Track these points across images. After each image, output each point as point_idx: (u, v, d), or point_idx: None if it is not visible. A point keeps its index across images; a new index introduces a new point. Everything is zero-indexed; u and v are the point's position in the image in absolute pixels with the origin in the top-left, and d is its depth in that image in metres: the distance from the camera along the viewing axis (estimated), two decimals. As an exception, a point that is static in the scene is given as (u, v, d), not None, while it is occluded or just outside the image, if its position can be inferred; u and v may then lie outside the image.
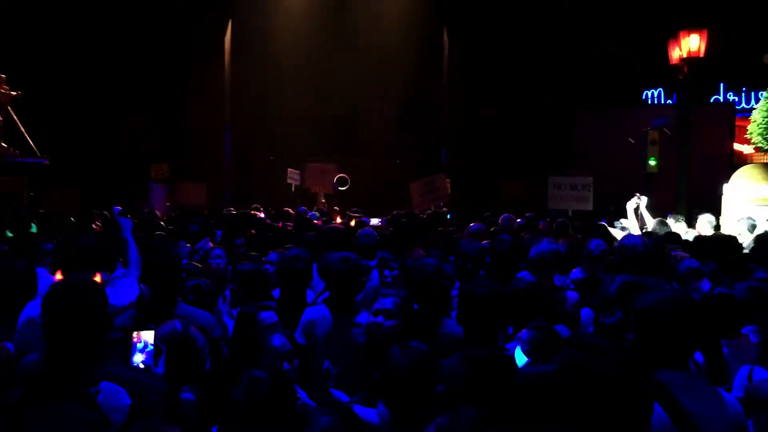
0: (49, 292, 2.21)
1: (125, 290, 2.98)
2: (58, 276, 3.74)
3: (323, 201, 13.54)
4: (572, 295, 4.03)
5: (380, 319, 2.95)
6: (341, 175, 14.32)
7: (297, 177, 13.93)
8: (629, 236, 3.97)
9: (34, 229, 6.87)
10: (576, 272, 4.60)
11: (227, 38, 16.93)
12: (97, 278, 3.45)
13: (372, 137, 17.42)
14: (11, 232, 6.47)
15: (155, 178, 13.61)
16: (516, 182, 15.59)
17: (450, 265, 4.28)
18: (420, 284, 3.27)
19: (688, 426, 2.04)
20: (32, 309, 2.91)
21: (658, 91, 17.52)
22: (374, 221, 9.51)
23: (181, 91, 16.10)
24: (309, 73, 16.95)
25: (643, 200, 6.87)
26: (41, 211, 8.63)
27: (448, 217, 9.05)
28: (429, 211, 9.38)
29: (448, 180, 12.67)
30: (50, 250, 4.47)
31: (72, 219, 7.54)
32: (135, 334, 2.35)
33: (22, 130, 10.61)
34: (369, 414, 2.42)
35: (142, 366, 2.35)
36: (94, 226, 7.44)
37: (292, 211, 10.03)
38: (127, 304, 2.93)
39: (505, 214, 7.34)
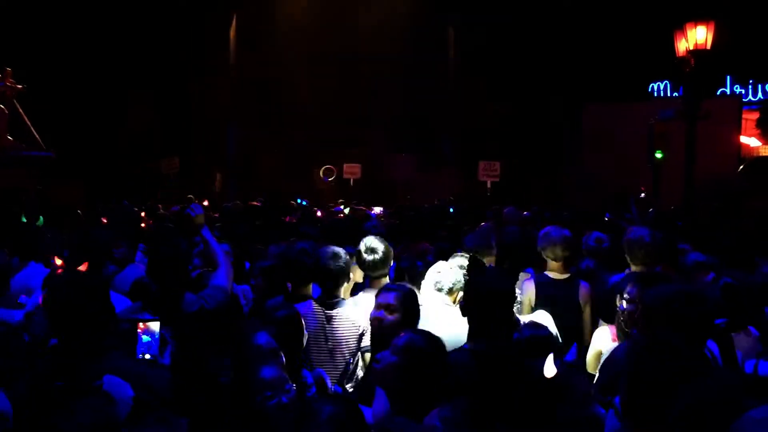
0: (51, 287, 2.23)
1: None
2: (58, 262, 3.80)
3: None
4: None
5: (381, 313, 2.90)
6: (328, 166, 14.29)
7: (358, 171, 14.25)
8: (636, 229, 3.92)
9: (41, 222, 6.88)
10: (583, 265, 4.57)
11: (232, 31, 16.91)
12: (83, 267, 3.49)
13: (377, 129, 17.40)
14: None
15: (166, 172, 13.55)
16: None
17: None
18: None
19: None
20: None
21: (664, 83, 17.41)
22: (376, 210, 9.59)
23: (186, 85, 16.10)
24: (314, 65, 16.93)
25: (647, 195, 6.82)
26: (52, 205, 8.65)
27: (450, 210, 9.03)
28: (426, 205, 9.38)
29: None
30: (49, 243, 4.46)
31: (79, 213, 7.56)
32: (141, 324, 2.36)
33: (28, 123, 10.61)
34: (364, 412, 2.42)
35: (148, 357, 2.35)
36: (103, 219, 7.47)
37: (294, 203, 10.03)
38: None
39: (509, 207, 7.28)
